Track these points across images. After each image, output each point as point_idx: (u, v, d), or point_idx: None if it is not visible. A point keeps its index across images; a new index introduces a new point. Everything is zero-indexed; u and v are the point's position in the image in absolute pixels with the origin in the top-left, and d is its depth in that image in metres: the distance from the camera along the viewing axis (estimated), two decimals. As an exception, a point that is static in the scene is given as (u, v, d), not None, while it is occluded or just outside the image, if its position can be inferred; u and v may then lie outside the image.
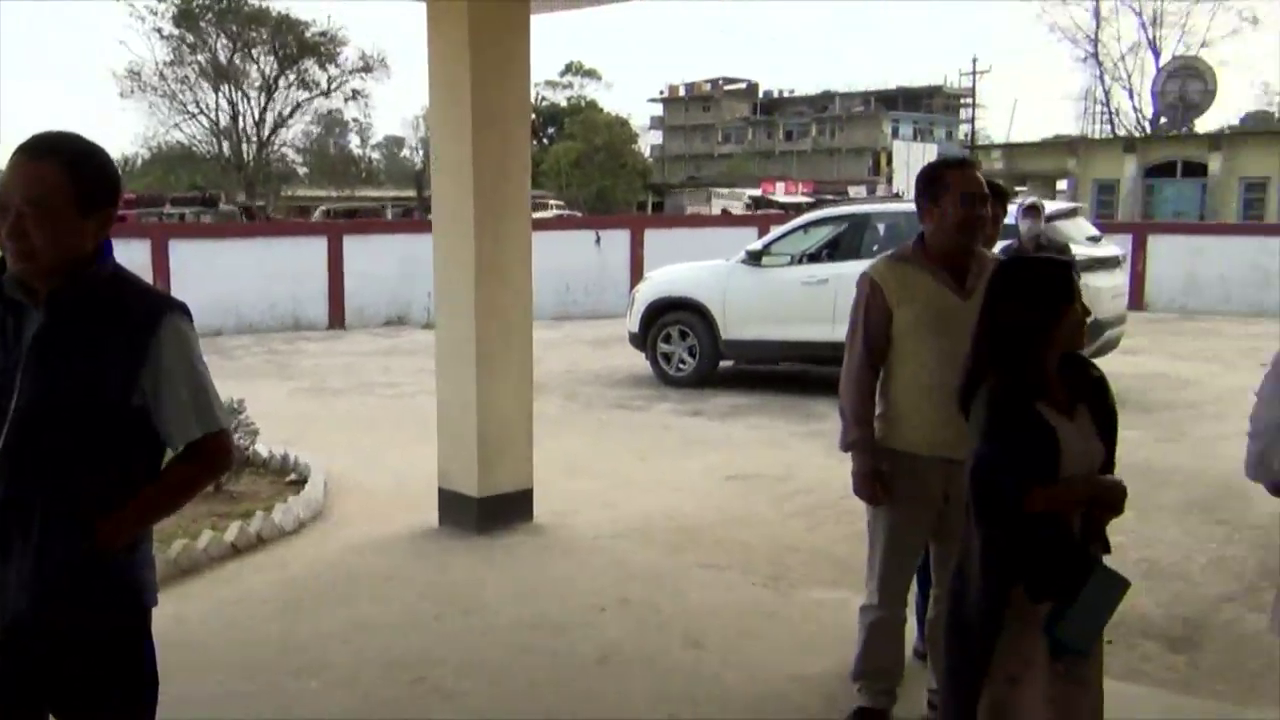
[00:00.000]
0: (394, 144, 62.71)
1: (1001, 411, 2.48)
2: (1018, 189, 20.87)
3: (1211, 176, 28.77)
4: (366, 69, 41.30)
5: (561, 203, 41.27)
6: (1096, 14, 41.56)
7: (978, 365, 2.57)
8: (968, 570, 2.57)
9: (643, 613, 4.49)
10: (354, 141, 52.44)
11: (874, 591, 3.37)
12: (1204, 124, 36.01)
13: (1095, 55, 43.41)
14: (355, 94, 42.38)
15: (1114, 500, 2.55)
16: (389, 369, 11.61)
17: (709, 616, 4.46)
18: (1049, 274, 2.55)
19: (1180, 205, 28.73)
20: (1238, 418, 8.74)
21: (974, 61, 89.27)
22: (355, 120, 48.78)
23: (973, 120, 56.93)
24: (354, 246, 15.70)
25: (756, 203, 39.64)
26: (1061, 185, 29.97)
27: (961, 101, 70.08)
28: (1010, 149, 32.04)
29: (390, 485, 6.48)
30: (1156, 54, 42.34)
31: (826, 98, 79.29)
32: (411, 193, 50.22)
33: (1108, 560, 2.57)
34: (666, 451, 7.67)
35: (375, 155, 59.74)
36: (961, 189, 3.08)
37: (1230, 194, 28.19)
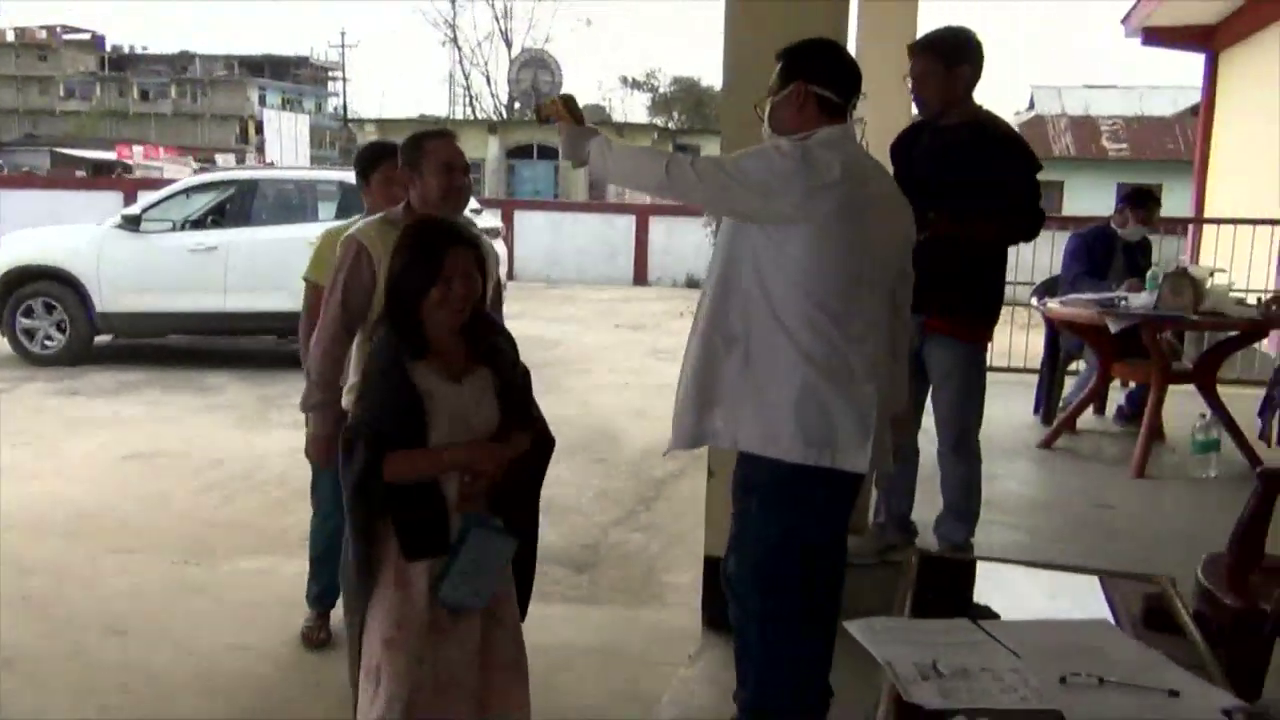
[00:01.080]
0: None
1: (370, 371, 2.47)
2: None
3: (561, 159, 31.94)
4: None
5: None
6: (453, 1, 43.85)
7: (378, 322, 2.54)
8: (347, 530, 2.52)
9: (49, 608, 4.04)
10: None
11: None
12: (553, 111, 39.55)
13: (455, 41, 45.93)
14: None
15: (482, 467, 2.48)
16: None
17: (129, 602, 4.14)
18: (431, 242, 2.46)
19: (537, 184, 31.60)
20: (602, 371, 9.97)
21: (343, 35, 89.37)
22: None
23: (344, 94, 57.21)
24: None
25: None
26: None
27: (330, 74, 69.94)
28: (384, 124, 32.76)
29: None
30: (509, 44, 45.84)
31: (186, 58, 74.48)
32: None
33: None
34: (44, 435, 6.86)
35: None
36: (442, 158, 3.06)
37: (577, 176, 31.52)
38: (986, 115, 3.91)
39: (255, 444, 6.71)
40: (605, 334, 12.61)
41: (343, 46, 55.25)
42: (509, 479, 2.54)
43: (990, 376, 4.24)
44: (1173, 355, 5.99)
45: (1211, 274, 5.80)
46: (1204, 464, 5.30)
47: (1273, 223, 8.71)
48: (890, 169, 3.63)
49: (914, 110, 4.21)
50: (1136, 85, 31.20)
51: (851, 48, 3.90)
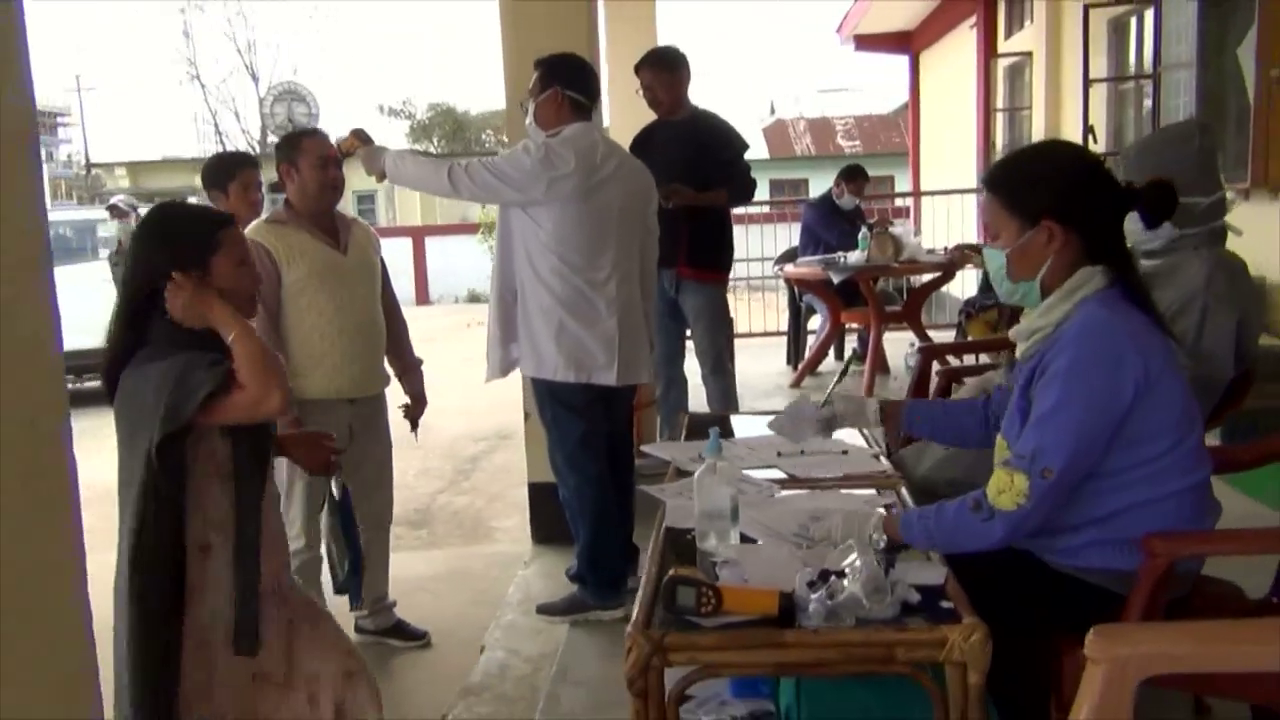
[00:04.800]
0: None
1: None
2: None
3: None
4: None
5: None
6: (189, 38, 42.60)
7: None
8: None
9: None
10: None
11: (298, 535, 3.51)
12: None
13: (199, 78, 44.59)
14: None
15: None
16: None
17: None
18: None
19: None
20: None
21: (78, 79, 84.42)
22: None
23: (85, 139, 54.47)
24: None
25: None
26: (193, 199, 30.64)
27: (60, 121, 66.24)
28: (134, 167, 31.83)
29: None
30: (255, 79, 44.85)
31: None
32: None
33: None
34: None
35: None
36: (319, 154, 3.41)
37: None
38: (704, 111, 4.96)
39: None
40: (399, 347, 13.17)
41: (79, 90, 52.44)
42: None
43: (748, 341, 5.31)
44: (888, 301, 7.30)
45: (914, 234, 7.15)
46: (916, 382, 6.58)
47: (968, 191, 10.39)
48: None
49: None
50: (862, 86, 34.06)
51: (602, 59, 4.87)
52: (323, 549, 3.40)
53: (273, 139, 39.50)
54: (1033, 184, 2.01)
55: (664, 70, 4.81)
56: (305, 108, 38.73)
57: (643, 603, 1.80)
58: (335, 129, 3.69)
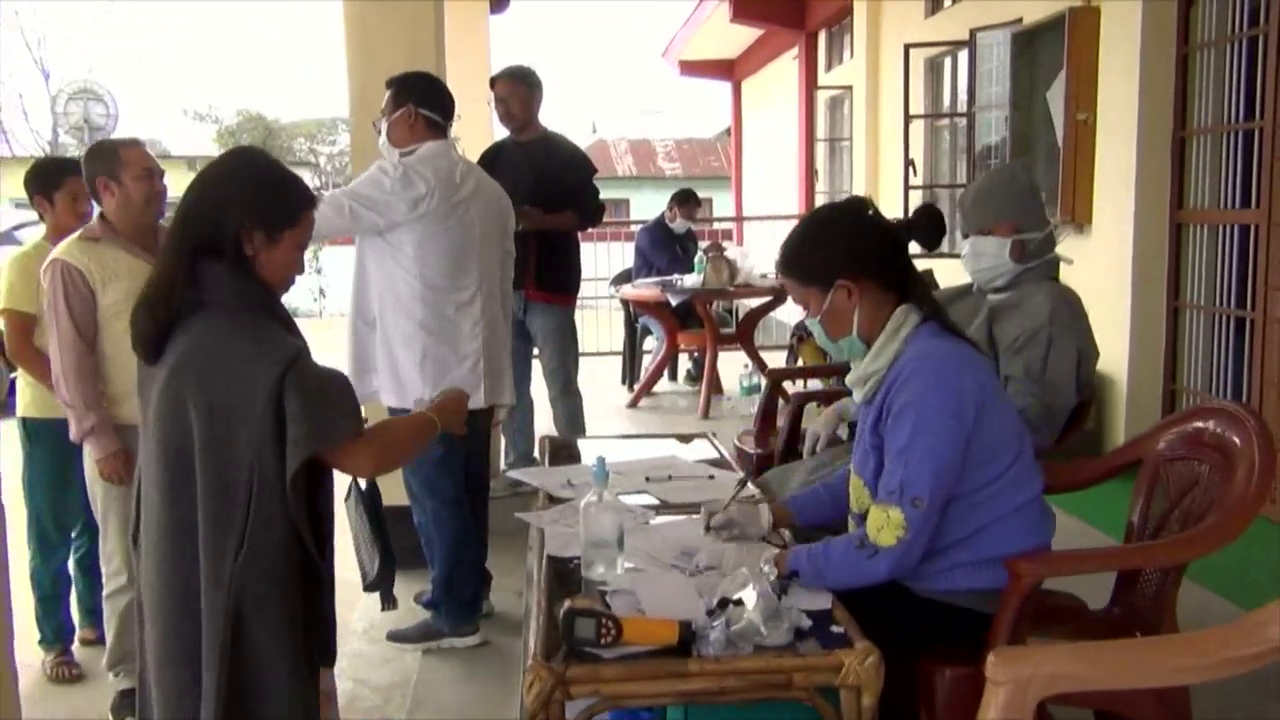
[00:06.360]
0: None
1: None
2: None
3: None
4: None
5: None
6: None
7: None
8: None
9: None
10: None
11: (118, 572, 3.27)
12: (111, 147, 36.98)
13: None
14: None
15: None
16: None
17: None
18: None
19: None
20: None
21: None
22: None
23: None
24: None
25: None
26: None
27: None
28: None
29: None
30: (47, 75, 42.07)
31: None
32: None
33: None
34: None
35: None
36: (143, 165, 3.16)
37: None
38: (553, 134, 4.99)
39: None
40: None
41: None
42: None
43: (585, 360, 5.34)
44: (722, 323, 7.47)
45: (744, 256, 7.34)
46: (750, 402, 6.72)
47: (791, 218, 10.74)
48: None
49: (494, 130, 5.17)
50: (683, 110, 34.81)
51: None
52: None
53: (66, 139, 37.17)
54: (814, 254, 2.15)
55: (522, 85, 4.81)
56: (103, 108, 36.37)
57: (539, 634, 1.78)
58: (135, 131, 3.38)
